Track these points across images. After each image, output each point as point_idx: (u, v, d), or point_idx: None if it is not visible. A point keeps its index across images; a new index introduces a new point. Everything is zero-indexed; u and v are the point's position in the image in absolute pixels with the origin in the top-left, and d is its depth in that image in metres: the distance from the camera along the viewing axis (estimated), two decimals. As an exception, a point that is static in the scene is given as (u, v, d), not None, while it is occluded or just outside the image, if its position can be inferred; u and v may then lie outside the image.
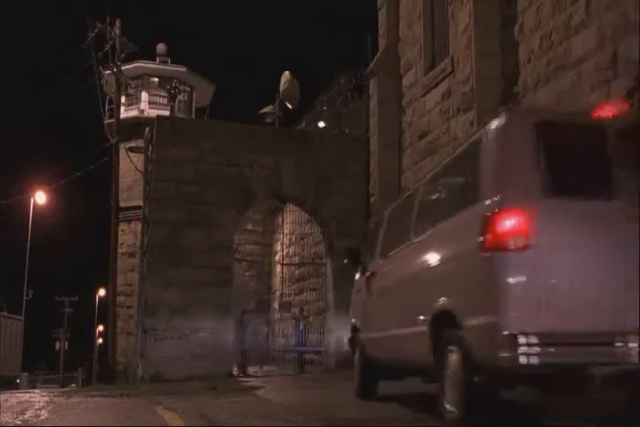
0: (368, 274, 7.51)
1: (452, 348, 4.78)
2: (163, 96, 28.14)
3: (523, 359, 4.03)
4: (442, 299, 4.98)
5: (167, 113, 23.35)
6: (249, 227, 26.10)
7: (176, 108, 24.51)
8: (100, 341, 40.04)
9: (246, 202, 17.08)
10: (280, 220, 26.05)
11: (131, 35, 20.51)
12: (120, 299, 22.17)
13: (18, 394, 13.11)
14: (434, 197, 5.90)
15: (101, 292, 41.51)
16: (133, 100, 29.60)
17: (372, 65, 17.28)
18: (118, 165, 19.33)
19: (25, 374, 38.54)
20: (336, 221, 17.08)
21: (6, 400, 10.00)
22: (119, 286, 21.48)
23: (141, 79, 29.77)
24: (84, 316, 50.73)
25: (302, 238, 22.92)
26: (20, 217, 35.15)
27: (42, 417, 7.43)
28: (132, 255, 24.98)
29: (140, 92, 29.64)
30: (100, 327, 41.68)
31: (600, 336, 4.15)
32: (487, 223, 4.36)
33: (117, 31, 19.90)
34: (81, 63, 20.56)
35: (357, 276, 8.13)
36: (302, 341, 18.35)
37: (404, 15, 16.67)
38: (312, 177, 17.04)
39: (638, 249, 4.19)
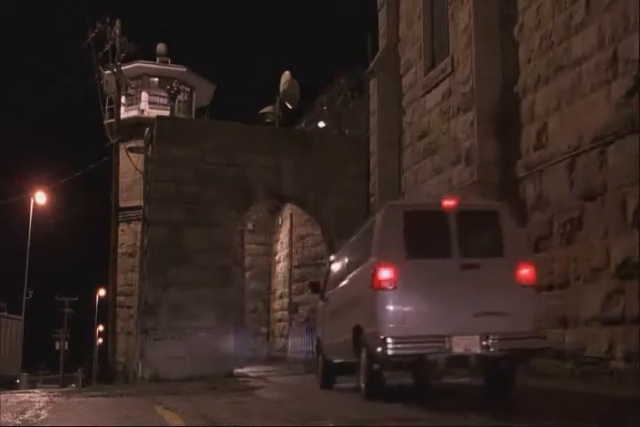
0: (324, 300, 10.33)
1: (362, 348, 7.52)
2: (163, 96, 28.12)
3: (389, 352, 6.76)
4: (356, 318, 7.79)
5: (167, 113, 23.37)
6: (249, 227, 26.12)
7: (176, 108, 24.51)
8: (100, 341, 40.07)
9: (246, 202, 17.09)
10: (280, 220, 26.06)
11: (131, 35, 20.52)
12: (120, 299, 22.16)
13: (18, 394, 13.11)
14: (353, 254, 8.80)
15: (101, 292, 41.53)
16: (133, 100, 29.59)
17: (372, 65, 17.28)
18: (118, 165, 19.32)
19: (25, 374, 38.51)
20: (336, 221, 17.07)
21: (6, 400, 10.00)
22: (119, 286, 21.47)
23: (141, 79, 29.75)
24: (84, 316, 50.82)
25: (302, 238, 22.93)
26: (20, 217, 35.20)
27: (42, 417, 7.43)
28: (131, 255, 24.98)
29: (140, 92, 29.62)
30: (100, 327, 41.72)
31: (435, 337, 6.86)
32: (373, 273, 7.10)
33: (117, 31, 19.89)
34: (81, 63, 20.65)
35: (319, 301, 10.84)
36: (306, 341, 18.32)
37: (404, 15, 16.67)
38: (312, 177, 17.04)
39: (465, 285, 6.89)
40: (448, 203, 7.40)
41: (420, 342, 6.87)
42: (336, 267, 9.86)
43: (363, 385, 7.65)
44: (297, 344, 19.38)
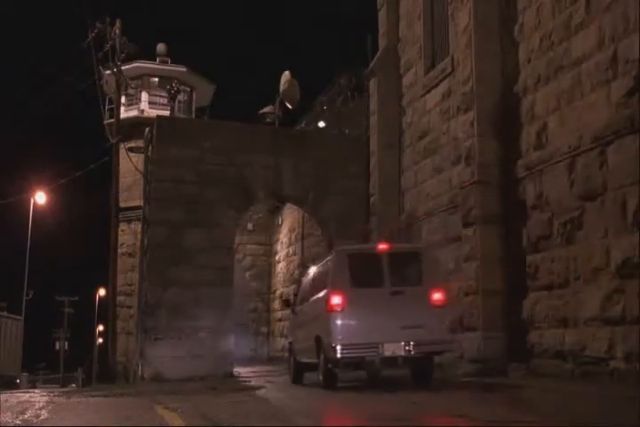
0: (294, 313, 12.76)
1: (321, 353, 9.94)
2: (163, 96, 28.08)
3: (339, 355, 9.27)
4: (317, 330, 10.24)
5: (167, 113, 23.34)
6: (249, 227, 26.12)
7: (176, 108, 24.49)
8: (100, 341, 40.06)
9: (246, 202, 17.08)
10: (280, 220, 26.07)
11: (131, 35, 20.43)
12: (120, 299, 22.14)
13: (18, 394, 13.11)
14: (315, 281, 11.20)
15: (101, 292, 41.51)
16: (133, 100, 29.55)
17: (371, 65, 17.28)
18: (118, 165, 19.31)
19: (25, 374, 38.51)
20: (336, 221, 17.07)
21: (6, 400, 10.01)
22: (119, 285, 21.45)
23: (141, 79, 29.70)
24: (84, 316, 50.79)
25: (302, 238, 22.92)
26: (20, 217, 35.19)
27: (42, 417, 7.43)
28: (131, 255, 24.96)
29: (140, 92, 29.57)
30: (100, 327, 41.71)
31: (371, 344, 9.33)
32: (327, 299, 9.64)
33: (117, 31, 19.87)
34: (81, 63, 20.57)
35: (290, 313, 13.45)
36: None
37: (404, 15, 16.67)
38: (312, 177, 17.04)
39: (394, 307, 9.42)
40: (382, 247, 10.16)
41: (361, 348, 9.39)
42: (303, 290, 12.34)
43: (321, 379, 10.12)
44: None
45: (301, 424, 6.34)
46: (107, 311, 20.22)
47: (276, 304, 25.38)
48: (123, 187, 21.53)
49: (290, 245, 24.53)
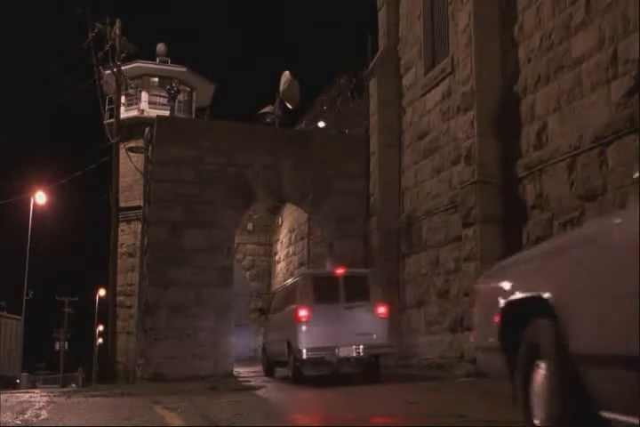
0: (268, 320, 15.18)
1: (290, 353, 12.02)
2: (163, 96, 28.06)
3: (304, 356, 11.36)
4: (287, 335, 12.37)
5: (167, 113, 23.34)
6: (249, 227, 26.12)
7: (176, 108, 24.49)
8: (100, 341, 40.04)
9: (246, 202, 17.08)
10: (280, 220, 26.07)
11: (131, 35, 20.50)
12: (120, 299, 22.14)
13: (18, 394, 13.12)
14: (286, 296, 13.50)
15: (101, 292, 41.46)
16: (133, 100, 29.54)
17: (371, 65, 17.28)
18: (118, 165, 19.31)
19: (25, 374, 38.51)
20: (336, 221, 17.07)
21: (6, 400, 10.01)
22: (119, 285, 21.45)
23: (141, 79, 29.69)
24: (84, 316, 50.74)
25: (302, 238, 22.93)
26: (20, 217, 35.18)
27: (42, 417, 7.43)
28: (131, 255, 24.96)
29: (140, 92, 29.56)
30: (100, 327, 41.67)
31: (330, 348, 11.46)
32: (296, 312, 11.83)
33: (117, 31, 19.87)
34: (81, 63, 20.56)
35: (265, 320, 15.76)
36: None
37: (404, 15, 16.67)
38: (312, 177, 17.04)
39: (347, 318, 11.66)
40: (338, 271, 12.48)
41: (321, 351, 11.59)
42: (275, 301, 14.84)
43: (291, 375, 12.32)
44: None
45: (302, 424, 6.34)
46: (107, 311, 20.23)
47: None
48: (123, 187, 21.52)
49: (290, 245, 24.53)
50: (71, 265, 78.88)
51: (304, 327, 11.59)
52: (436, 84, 14.52)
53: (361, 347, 11.50)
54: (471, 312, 11.23)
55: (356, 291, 12.00)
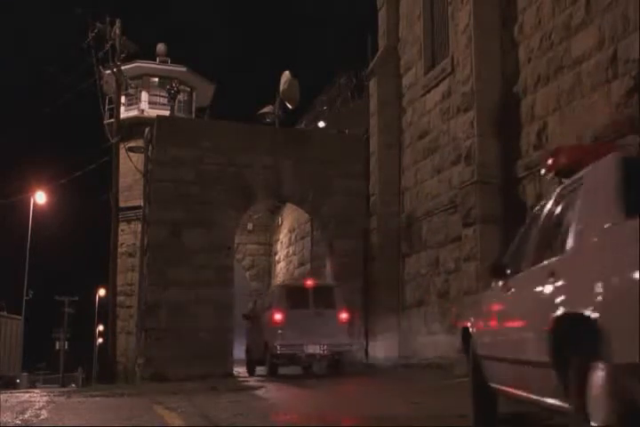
0: (252, 323, 16.50)
1: (267, 351, 14.14)
2: (163, 96, 28.02)
3: (278, 351, 13.82)
4: (265, 336, 14.46)
5: (167, 113, 23.33)
6: (249, 227, 26.11)
7: (176, 108, 24.48)
8: (100, 341, 40.01)
9: (246, 202, 17.09)
10: (280, 220, 26.06)
11: (131, 35, 20.40)
12: (120, 299, 22.12)
13: (18, 394, 13.12)
14: (264, 303, 16.00)
15: (101, 292, 41.43)
16: (133, 100, 29.50)
17: (371, 65, 17.28)
18: (118, 165, 19.30)
19: (25, 373, 38.48)
20: (336, 221, 17.08)
21: (6, 400, 10.01)
22: (119, 285, 21.43)
23: (141, 79, 29.64)
24: (84, 316, 50.69)
25: (302, 238, 22.92)
26: (20, 217, 35.16)
27: (42, 417, 7.43)
28: (131, 255, 24.95)
29: (140, 92, 29.52)
30: (100, 327, 41.66)
31: (299, 345, 13.80)
32: (272, 316, 14.25)
33: (117, 31, 19.87)
34: (81, 63, 20.56)
35: (247, 323, 16.95)
36: None
37: (404, 15, 16.67)
38: (312, 177, 17.04)
39: (316, 322, 13.90)
40: (309, 283, 14.76)
41: (292, 347, 13.77)
42: (257, 307, 17.08)
43: (267, 369, 14.56)
44: None
45: (302, 424, 6.34)
46: (107, 311, 20.23)
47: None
48: (123, 187, 21.52)
49: (290, 244, 24.53)
50: (71, 265, 78.98)
51: (279, 328, 13.94)
52: (436, 84, 14.52)
53: (325, 346, 13.88)
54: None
55: (323, 300, 14.31)
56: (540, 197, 10.49)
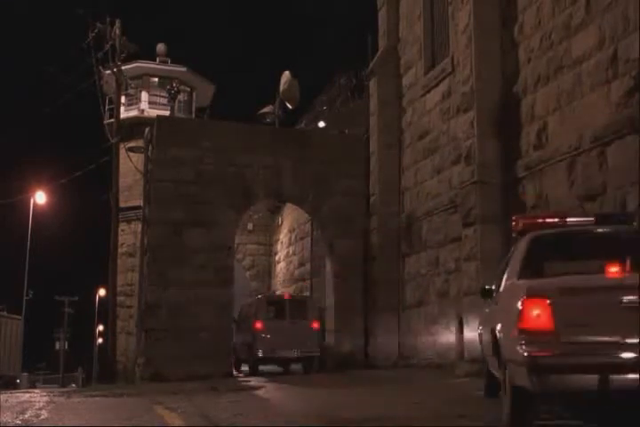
0: (239, 327, 17.79)
1: (250, 353, 16.68)
2: (163, 96, 27.99)
3: (260, 354, 16.25)
4: (248, 341, 16.74)
5: (167, 113, 23.34)
6: (249, 227, 26.11)
7: (176, 108, 24.48)
8: (100, 341, 40.00)
9: (246, 202, 17.09)
10: (280, 220, 26.07)
11: (131, 35, 20.41)
12: (120, 299, 22.11)
13: (18, 394, 13.11)
14: (248, 313, 17.70)
15: (101, 292, 41.42)
16: (133, 100, 29.46)
17: (371, 65, 17.28)
18: (118, 165, 19.30)
19: (25, 374, 38.45)
20: (336, 221, 17.08)
21: (6, 400, 10.00)
22: (119, 285, 21.43)
23: (141, 79, 29.61)
24: (84, 316, 50.66)
25: (302, 238, 22.92)
26: (20, 217, 35.16)
27: (42, 417, 7.43)
28: (131, 255, 24.94)
29: (140, 92, 29.48)
30: (100, 327, 41.66)
31: (276, 350, 16.22)
32: (254, 324, 16.57)
33: (117, 31, 19.86)
34: (81, 63, 20.56)
35: (235, 328, 17.72)
36: None
37: (404, 15, 16.67)
38: (312, 177, 17.04)
39: (291, 330, 16.29)
40: (285, 296, 17.99)
41: (271, 352, 16.03)
42: (242, 315, 18.18)
43: (249, 369, 16.79)
44: None
45: (303, 424, 6.35)
46: (107, 311, 20.22)
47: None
48: (123, 187, 21.52)
49: (290, 244, 24.53)
50: (71, 265, 78.89)
51: (260, 335, 16.17)
52: (436, 84, 14.52)
53: (298, 350, 16.14)
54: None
55: (298, 311, 16.68)
56: (541, 197, 10.51)
